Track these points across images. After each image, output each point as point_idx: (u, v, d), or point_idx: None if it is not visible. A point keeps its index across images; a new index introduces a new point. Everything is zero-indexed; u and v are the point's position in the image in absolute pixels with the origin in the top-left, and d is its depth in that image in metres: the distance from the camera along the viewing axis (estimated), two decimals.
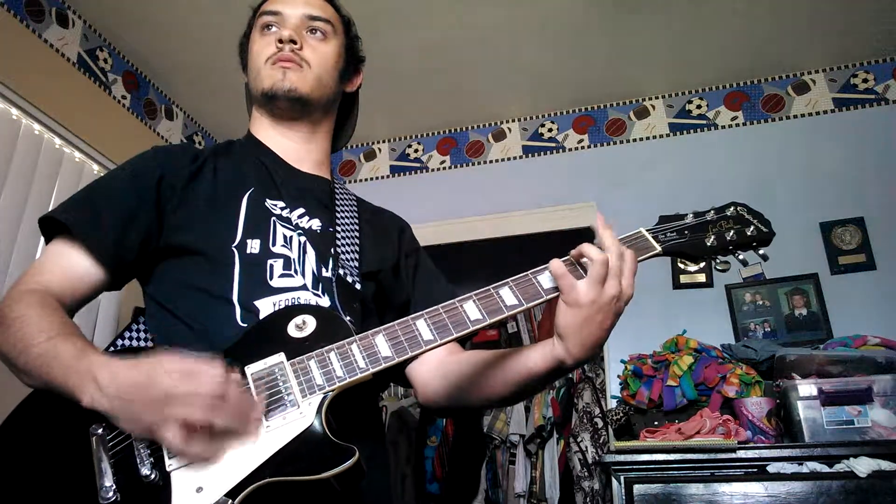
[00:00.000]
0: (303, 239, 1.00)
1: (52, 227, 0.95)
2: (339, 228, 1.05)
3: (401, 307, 1.10)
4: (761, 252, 0.97)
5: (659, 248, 0.92)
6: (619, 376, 2.37)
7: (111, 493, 0.72)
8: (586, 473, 3.21)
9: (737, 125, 3.18)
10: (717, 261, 0.96)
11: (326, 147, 1.16)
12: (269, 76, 1.06)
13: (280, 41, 1.05)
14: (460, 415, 3.72)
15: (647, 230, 0.94)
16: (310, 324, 0.86)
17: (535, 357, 0.88)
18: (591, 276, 0.81)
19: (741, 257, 0.97)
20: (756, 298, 2.84)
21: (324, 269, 0.98)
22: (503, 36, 2.87)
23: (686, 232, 0.94)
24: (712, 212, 0.97)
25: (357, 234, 1.08)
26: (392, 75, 3.04)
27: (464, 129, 3.59)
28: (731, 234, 0.95)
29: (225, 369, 0.74)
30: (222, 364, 0.74)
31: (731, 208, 0.98)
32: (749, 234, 0.95)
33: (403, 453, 3.77)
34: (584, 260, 0.84)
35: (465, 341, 1.08)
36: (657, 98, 3.33)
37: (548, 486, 3.54)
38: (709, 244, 0.94)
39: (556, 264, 0.84)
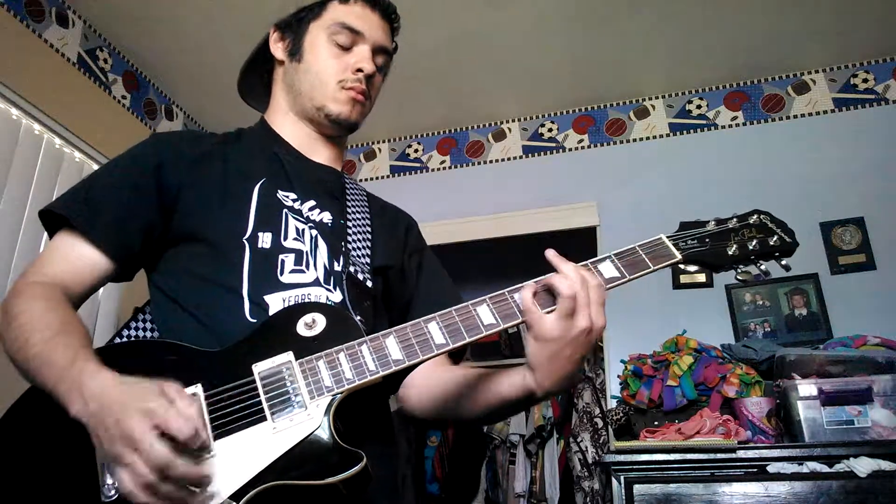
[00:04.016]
0: (314, 232, 0.98)
1: (54, 219, 0.94)
2: (349, 222, 1.04)
3: (403, 307, 1.09)
4: (784, 262, 0.94)
5: (679, 256, 0.90)
6: (619, 376, 2.37)
7: (113, 491, 0.71)
8: (586, 473, 3.21)
9: (737, 125, 3.18)
10: (739, 270, 0.94)
11: (343, 143, 1.17)
12: (337, 102, 1.05)
13: (359, 70, 1.04)
14: (434, 426, 3.71)
15: (667, 237, 0.91)
16: (319, 322, 0.84)
17: (507, 385, 0.87)
18: (559, 312, 0.79)
19: (763, 267, 0.94)
20: (756, 298, 2.84)
21: (335, 264, 0.97)
22: (503, 36, 2.87)
23: (707, 240, 0.92)
24: (735, 219, 0.95)
25: (368, 228, 1.07)
26: (392, 75, 3.03)
27: (464, 129, 3.59)
28: (753, 243, 0.92)
29: (197, 428, 0.69)
30: (197, 419, 0.70)
31: (755, 216, 0.95)
32: (772, 243, 0.93)
33: (403, 453, 3.77)
34: (555, 290, 0.82)
35: (465, 350, 1.08)
36: (657, 98, 3.33)
37: (548, 486, 3.54)
38: (731, 253, 0.92)
39: (527, 296, 0.82)
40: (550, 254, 0.84)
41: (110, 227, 0.92)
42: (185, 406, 0.70)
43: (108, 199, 0.94)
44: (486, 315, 0.84)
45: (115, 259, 0.93)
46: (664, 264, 0.89)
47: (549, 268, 0.85)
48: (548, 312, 0.81)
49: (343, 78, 1.05)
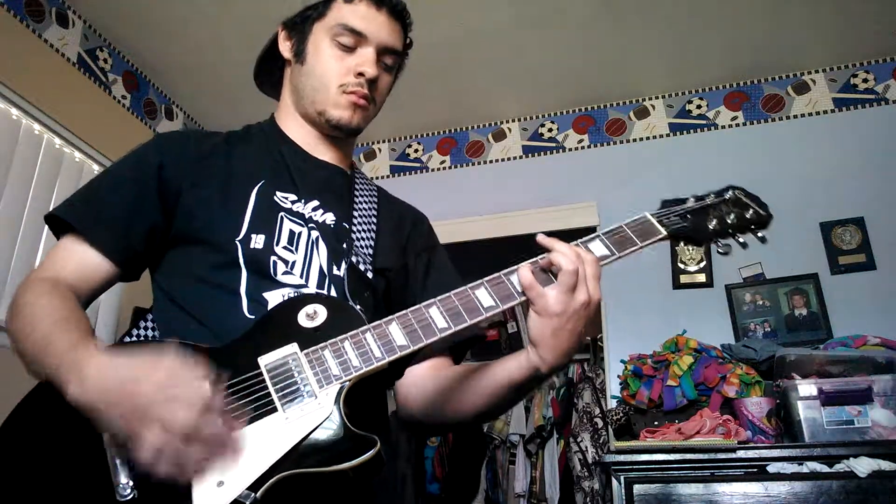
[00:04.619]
0: (315, 234, 0.98)
1: (60, 223, 0.94)
2: (355, 222, 1.04)
3: (408, 305, 1.08)
4: (760, 234, 0.99)
5: (664, 233, 0.93)
6: (619, 376, 2.37)
7: (128, 490, 0.70)
8: (586, 473, 3.21)
9: (737, 125, 3.18)
10: (720, 244, 0.98)
11: (351, 143, 1.15)
12: (338, 107, 1.02)
13: (361, 74, 1.01)
14: (436, 430, 3.67)
15: (651, 214, 0.95)
16: (321, 313, 0.84)
17: (512, 366, 0.88)
18: (561, 286, 0.81)
19: (741, 240, 0.98)
20: (756, 298, 2.84)
21: (334, 268, 0.97)
22: (503, 36, 2.88)
23: (689, 216, 0.96)
24: (712, 195, 0.99)
25: (374, 228, 1.06)
26: None
27: (464, 129, 3.59)
28: (731, 217, 0.97)
29: (212, 389, 0.71)
30: (210, 379, 0.71)
31: (730, 192, 1.00)
32: (748, 216, 0.97)
33: (403, 453, 3.77)
34: (554, 267, 0.84)
35: (466, 350, 1.08)
36: (657, 98, 3.33)
37: (548, 486, 3.54)
38: (711, 227, 0.96)
39: (525, 274, 0.84)
40: (542, 237, 0.86)
41: (113, 231, 0.93)
42: (194, 373, 0.71)
43: (111, 202, 0.94)
44: (484, 297, 0.85)
45: (119, 262, 0.93)
46: (651, 241, 0.92)
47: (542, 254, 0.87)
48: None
49: (344, 82, 1.02)
